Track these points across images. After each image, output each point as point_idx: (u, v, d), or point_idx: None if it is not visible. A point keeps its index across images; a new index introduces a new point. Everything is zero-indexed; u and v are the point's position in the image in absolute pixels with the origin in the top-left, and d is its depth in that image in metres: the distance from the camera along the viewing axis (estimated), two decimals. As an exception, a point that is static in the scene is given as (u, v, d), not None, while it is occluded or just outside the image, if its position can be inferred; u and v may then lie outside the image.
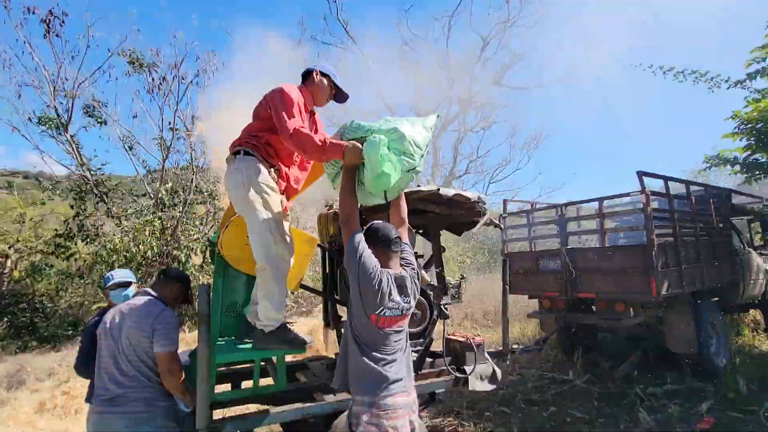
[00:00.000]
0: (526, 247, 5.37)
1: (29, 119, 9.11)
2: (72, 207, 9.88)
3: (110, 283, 2.55)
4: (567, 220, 4.51)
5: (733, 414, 3.47)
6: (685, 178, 4.74)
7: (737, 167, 5.99)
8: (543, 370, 4.92)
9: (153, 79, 9.40)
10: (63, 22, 8.66)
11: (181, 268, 8.00)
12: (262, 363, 2.76)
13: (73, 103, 9.27)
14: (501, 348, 3.76)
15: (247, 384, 2.92)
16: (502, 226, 3.63)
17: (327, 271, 3.46)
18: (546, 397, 4.13)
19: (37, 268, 9.85)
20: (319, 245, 3.30)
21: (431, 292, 3.00)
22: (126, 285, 2.56)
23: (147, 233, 8.89)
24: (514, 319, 7.61)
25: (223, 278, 2.51)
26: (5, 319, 9.55)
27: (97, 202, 9.84)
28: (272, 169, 2.31)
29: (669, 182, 4.30)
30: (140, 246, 8.74)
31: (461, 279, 3.34)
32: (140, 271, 8.59)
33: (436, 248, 3.13)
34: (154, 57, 9.62)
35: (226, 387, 3.01)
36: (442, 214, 3.12)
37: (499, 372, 3.11)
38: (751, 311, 6.39)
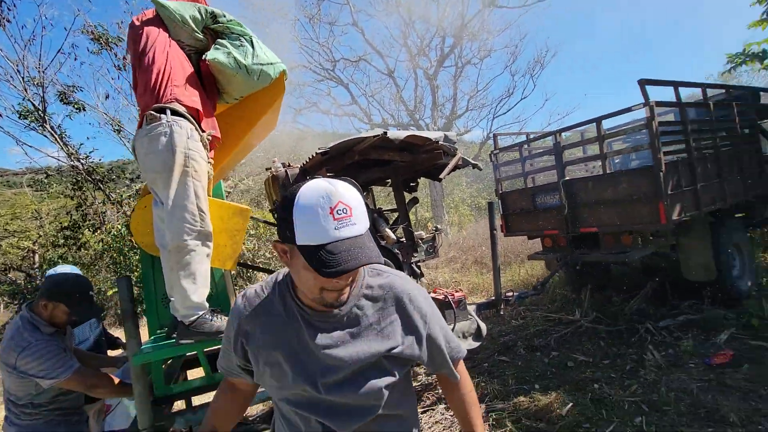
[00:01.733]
0: (523, 184, 4.91)
1: (0, 115, 8.86)
2: (72, 198, 9.90)
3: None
4: (562, 148, 3.98)
5: (756, 343, 3.12)
6: (703, 82, 4.05)
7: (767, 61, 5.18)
8: (548, 312, 4.64)
9: (117, 55, 8.86)
10: (13, 5, 8.11)
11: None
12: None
13: (43, 92, 8.92)
14: (493, 298, 3.47)
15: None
16: (480, 166, 3.19)
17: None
18: (549, 342, 3.87)
19: (54, 262, 10.11)
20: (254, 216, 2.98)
21: (398, 252, 2.68)
22: None
23: (146, 215, 8.83)
24: (518, 262, 7.32)
25: (153, 267, 2.24)
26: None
27: (95, 190, 9.80)
28: (207, 133, 1.94)
29: (680, 88, 3.66)
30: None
31: (435, 232, 2.99)
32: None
33: (399, 201, 2.76)
34: (116, 30, 9.01)
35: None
36: (403, 162, 2.71)
37: (483, 327, 2.84)
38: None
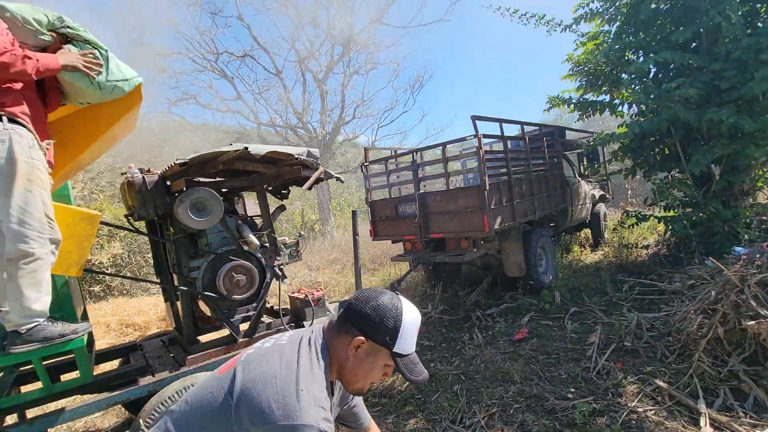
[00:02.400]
0: (388, 195, 5.52)
1: None
2: None
3: None
4: (417, 165, 4.68)
5: (545, 322, 4.15)
6: (526, 120, 5.17)
7: (572, 106, 6.73)
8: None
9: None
10: None
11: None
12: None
13: None
14: (354, 296, 3.90)
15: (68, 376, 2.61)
16: (343, 180, 3.59)
17: (153, 245, 3.13)
18: (403, 332, 4.48)
19: None
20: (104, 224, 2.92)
21: (261, 255, 2.90)
22: None
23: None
24: (390, 264, 8.07)
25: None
26: None
27: None
28: (45, 143, 1.89)
29: (507, 124, 4.64)
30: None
31: (299, 237, 3.28)
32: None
33: (263, 208, 2.97)
34: None
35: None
36: (267, 173, 2.94)
37: (339, 322, 3.22)
38: (584, 230, 7.61)
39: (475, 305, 4.98)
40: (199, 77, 14.76)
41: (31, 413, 2.38)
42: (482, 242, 4.65)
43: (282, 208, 3.43)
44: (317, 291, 3.21)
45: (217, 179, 2.90)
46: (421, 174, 4.87)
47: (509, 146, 4.68)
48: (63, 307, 2.19)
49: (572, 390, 2.84)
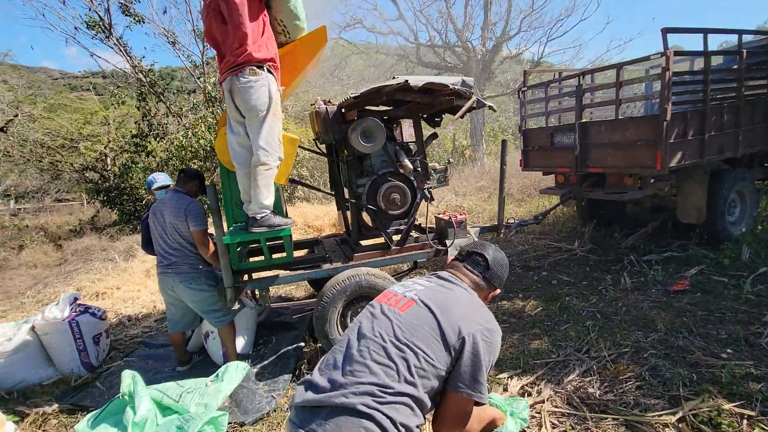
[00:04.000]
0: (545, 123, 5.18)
1: (76, 28, 9.60)
2: (138, 108, 10.99)
3: (155, 186, 3.29)
4: (582, 91, 4.19)
5: (718, 278, 3.61)
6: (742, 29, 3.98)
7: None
8: (552, 241, 5.23)
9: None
10: None
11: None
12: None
13: (108, 4, 9.50)
14: (495, 223, 4.09)
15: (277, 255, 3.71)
16: (495, 108, 3.57)
17: (331, 165, 3.86)
18: (543, 264, 4.54)
19: (127, 165, 11.53)
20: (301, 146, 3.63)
21: (413, 178, 3.30)
22: (166, 187, 3.27)
23: (203, 128, 9.77)
24: (540, 196, 7.70)
25: (229, 179, 3.03)
26: (116, 208, 11.81)
27: (157, 102, 10.78)
28: (281, 88, 2.62)
29: (709, 36, 3.70)
30: (200, 140, 9.72)
31: (447, 164, 3.55)
32: (208, 163, 9.70)
33: (418, 135, 3.30)
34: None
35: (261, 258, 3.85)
36: (423, 103, 3.21)
37: (478, 244, 3.51)
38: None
39: (630, 248, 4.59)
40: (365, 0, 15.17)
41: (256, 276, 3.49)
42: (651, 181, 4.10)
43: (434, 136, 3.71)
44: (460, 214, 3.52)
45: (381, 108, 3.31)
46: (588, 100, 4.39)
47: (713, 65, 3.75)
48: (277, 206, 3.04)
49: (729, 351, 2.60)
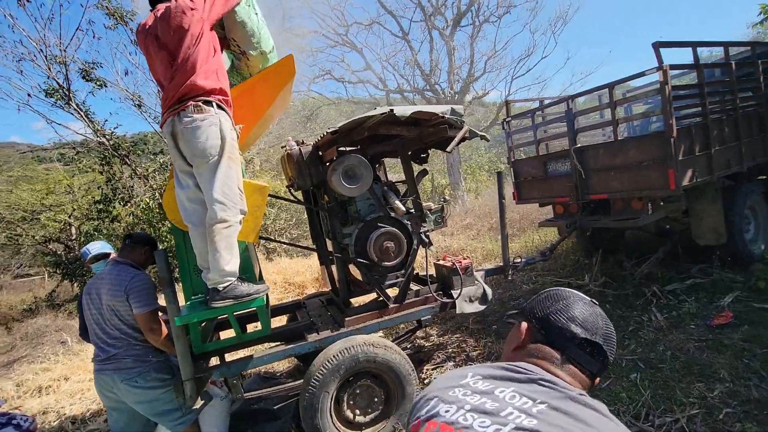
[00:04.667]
0: (535, 152, 4.90)
1: (29, 95, 9.20)
2: (101, 173, 10.39)
3: (89, 257, 2.68)
4: (574, 115, 3.95)
5: (760, 305, 3.19)
6: (736, 40, 3.89)
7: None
8: (559, 278, 4.78)
9: (132, 30, 8.95)
10: (29, -16, 8.19)
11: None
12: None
13: (66, 70, 9.17)
14: (501, 264, 3.62)
15: (251, 328, 3.07)
16: (489, 138, 3.24)
17: (310, 213, 3.37)
18: (557, 305, 4.03)
19: (90, 234, 10.72)
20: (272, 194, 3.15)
21: (408, 222, 2.83)
22: (105, 257, 2.67)
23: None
24: (533, 229, 7.37)
25: (184, 241, 2.47)
26: (77, 280, 10.81)
27: (122, 164, 10.23)
28: (237, 127, 2.16)
29: (698, 48, 3.55)
30: (169, 201, 9.11)
31: (443, 202, 3.12)
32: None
33: (408, 173, 2.88)
34: (130, 4, 9.06)
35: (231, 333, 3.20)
36: (411, 136, 2.81)
37: (489, 291, 3.01)
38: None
39: (647, 279, 4.16)
40: (332, 53, 15.54)
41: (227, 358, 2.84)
42: (662, 203, 3.77)
43: (424, 172, 3.31)
44: (464, 259, 3.04)
45: (362, 147, 2.90)
46: (576, 125, 4.14)
47: (709, 77, 3.57)
48: (246, 270, 2.49)
49: (820, 401, 2.10)
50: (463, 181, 14.39)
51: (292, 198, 3.11)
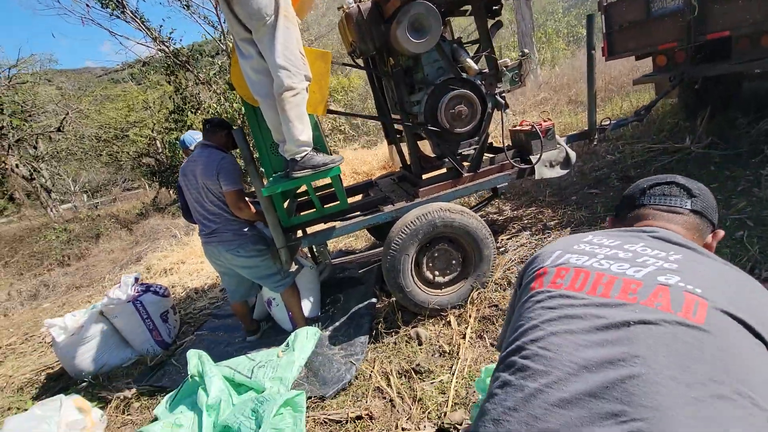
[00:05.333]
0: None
1: (87, 5, 9.33)
2: (169, 83, 10.79)
3: (193, 145, 2.92)
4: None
5: None
6: None
7: None
8: (654, 143, 4.25)
9: None
10: None
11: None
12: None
13: (115, -25, 9.01)
14: (586, 129, 3.26)
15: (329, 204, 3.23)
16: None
17: (374, 85, 3.19)
18: (648, 172, 3.66)
19: (173, 144, 11.58)
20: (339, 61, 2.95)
21: (481, 82, 2.57)
22: None
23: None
24: (622, 95, 6.45)
25: (257, 119, 2.50)
26: (172, 187, 12.14)
27: (185, 72, 10.45)
28: None
29: None
30: (234, 104, 9.33)
31: (522, 57, 2.74)
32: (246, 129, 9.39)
33: (481, 26, 2.52)
34: None
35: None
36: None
37: (573, 154, 2.78)
38: None
39: (766, 135, 3.54)
40: None
41: (310, 231, 3.06)
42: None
43: (499, 24, 2.87)
44: (545, 121, 2.76)
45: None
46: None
47: None
48: (318, 142, 2.50)
49: None
50: (536, 52, 12.69)
51: (354, 63, 2.91)
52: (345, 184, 6.22)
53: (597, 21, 3.04)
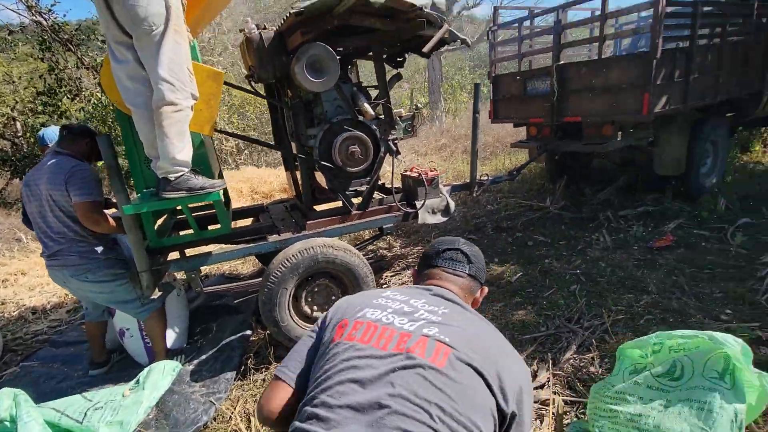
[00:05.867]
0: (518, 67, 4.68)
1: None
2: (42, 60, 9.24)
3: (52, 143, 2.51)
4: (561, 27, 3.71)
5: (699, 232, 3.43)
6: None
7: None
8: (523, 200, 4.91)
9: None
10: None
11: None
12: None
13: None
14: (468, 181, 3.63)
15: (212, 227, 3.02)
16: (470, 42, 3.01)
17: (273, 110, 3.15)
18: (516, 225, 4.20)
19: (37, 129, 9.84)
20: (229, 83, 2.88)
21: (376, 128, 2.71)
22: None
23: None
24: (505, 153, 7.39)
25: (131, 128, 2.27)
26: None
27: (65, 52, 9.08)
28: None
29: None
30: (123, 97, 8.34)
31: (415, 110, 2.98)
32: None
33: (380, 74, 2.68)
34: None
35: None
36: (385, 30, 2.56)
37: (452, 204, 3.05)
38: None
39: (604, 205, 4.34)
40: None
41: (187, 253, 2.83)
42: (632, 130, 3.78)
43: (398, 77, 3.10)
44: (431, 171, 3.01)
45: (332, 39, 2.63)
46: (562, 39, 3.92)
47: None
48: (201, 163, 2.35)
49: (728, 311, 2.36)
50: (443, 101, 13.91)
51: (252, 90, 2.86)
52: (240, 205, 5.94)
53: (483, 90, 3.48)
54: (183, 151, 1.92)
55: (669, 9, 3.16)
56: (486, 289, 1.20)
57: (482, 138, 8.22)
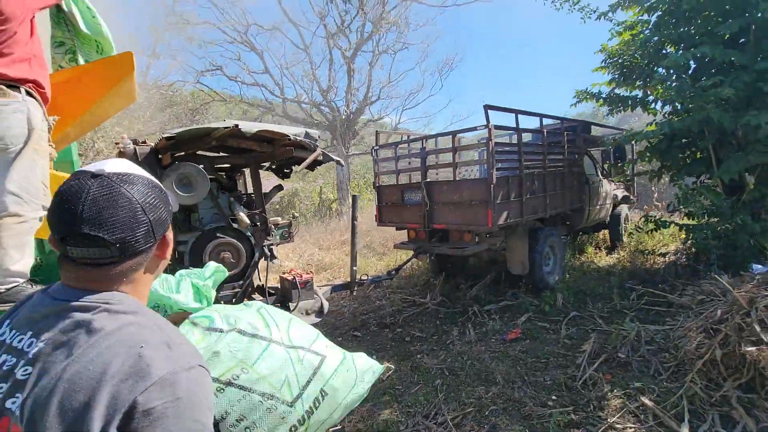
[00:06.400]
0: (396, 181, 5.43)
1: None
2: None
3: None
4: (426, 153, 4.55)
5: (542, 324, 4.03)
6: (552, 113, 4.92)
7: (602, 100, 6.35)
8: (408, 295, 5.30)
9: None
10: None
11: None
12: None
13: None
14: (348, 281, 3.90)
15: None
16: (343, 163, 3.53)
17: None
18: (398, 320, 4.48)
19: None
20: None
21: (251, 235, 2.91)
22: None
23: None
24: (395, 251, 8.01)
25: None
26: None
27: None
28: (52, 118, 1.97)
29: (526, 116, 4.43)
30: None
31: (292, 219, 3.28)
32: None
33: (256, 187, 2.98)
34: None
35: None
36: (262, 152, 2.93)
37: (326, 305, 3.23)
38: (604, 231, 7.30)
39: (474, 300, 4.89)
40: (228, 48, 14.84)
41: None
42: (485, 236, 4.52)
43: (279, 188, 3.43)
44: (306, 274, 3.22)
45: (214, 155, 2.91)
46: (433, 162, 4.75)
47: (524, 139, 4.47)
48: (51, 272, 2.27)
49: (553, 398, 2.76)
50: (349, 198, 14.84)
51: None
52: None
53: (360, 200, 3.97)
54: (20, 261, 1.87)
55: (498, 148, 4.12)
56: (169, 235, 0.81)
57: (381, 235, 8.87)
